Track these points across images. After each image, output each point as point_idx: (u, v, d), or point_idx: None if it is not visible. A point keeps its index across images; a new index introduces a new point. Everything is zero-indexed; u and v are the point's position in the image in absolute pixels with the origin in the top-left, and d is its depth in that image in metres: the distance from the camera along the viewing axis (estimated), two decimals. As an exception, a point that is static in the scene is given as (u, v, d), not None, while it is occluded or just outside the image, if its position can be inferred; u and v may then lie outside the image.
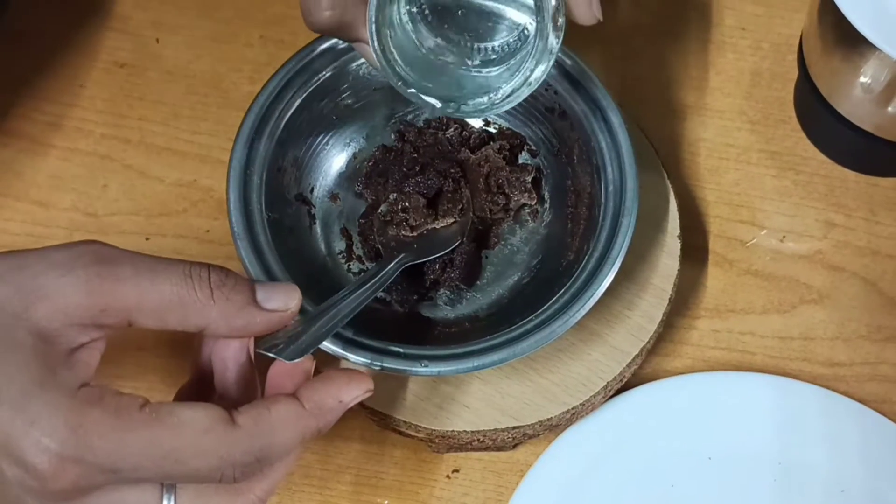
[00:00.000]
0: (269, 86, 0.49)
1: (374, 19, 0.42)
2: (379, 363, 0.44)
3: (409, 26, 0.44)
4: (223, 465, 0.35)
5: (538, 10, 0.41)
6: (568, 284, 0.46)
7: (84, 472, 0.34)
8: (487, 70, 0.45)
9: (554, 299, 0.46)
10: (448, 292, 0.50)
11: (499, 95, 0.43)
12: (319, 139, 0.52)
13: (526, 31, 0.44)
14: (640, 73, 0.60)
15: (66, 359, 0.35)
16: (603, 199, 0.48)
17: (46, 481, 0.34)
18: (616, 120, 0.49)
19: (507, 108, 0.44)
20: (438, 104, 0.44)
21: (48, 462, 0.33)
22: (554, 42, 0.42)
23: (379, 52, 0.42)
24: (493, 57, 0.45)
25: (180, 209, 0.56)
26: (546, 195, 0.52)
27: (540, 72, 0.42)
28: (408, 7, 0.44)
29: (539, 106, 0.51)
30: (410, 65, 0.44)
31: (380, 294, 0.48)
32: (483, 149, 0.52)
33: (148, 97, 0.59)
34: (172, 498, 0.36)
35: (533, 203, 0.52)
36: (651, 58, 0.60)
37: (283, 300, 0.39)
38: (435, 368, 0.44)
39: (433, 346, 0.46)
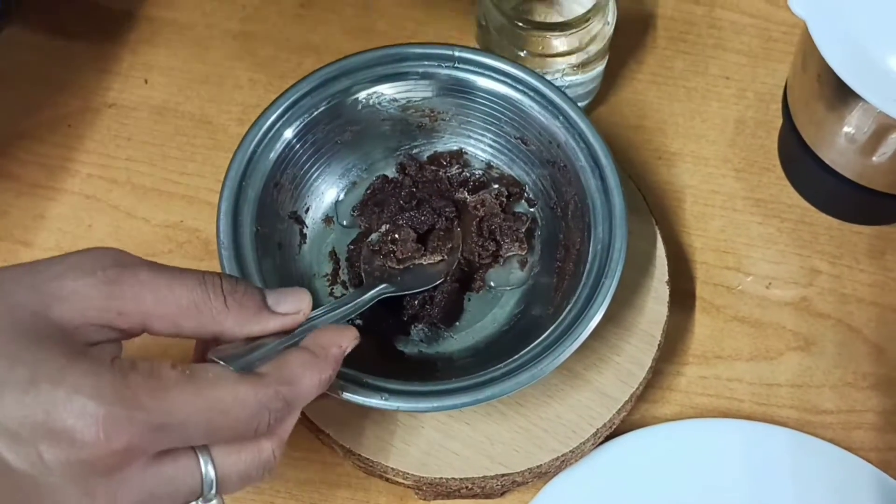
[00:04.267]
0: (277, 102, 0.49)
1: None
2: (340, 389, 0.43)
3: None
4: (260, 411, 0.36)
5: None
6: (542, 338, 0.45)
7: (136, 431, 0.33)
8: None
9: (526, 350, 0.45)
10: (425, 329, 0.50)
11: None
12: (321, 161, 0.52)
13: None
14: (628, 121, 0.60)
15: (91, 346, 0.35)
16: (589, 258, 0.47)
17: (95, 447, 0.33)
18: (614, 180, 0.48)
19: None
20: None
21: (96, 427, 0.32)
22: None
23: None
24: None
25: (166, 250, 0.56)
26: (537, 247, 0.52)
27: None
28: None
29: (542, 156, 0.51)
30: None
31: (356, 322, 0.48)
32: (481, 192, 0.52)
33: (136, 137, 0.59)
34: (210, 462, 0.36)
35: (524, 253, 0.52)
36: (638, 105, 0.61)
37: (295, 303, 0.40)
38: (394, 403, 0.43)
39: (398, 381, 0.44)
